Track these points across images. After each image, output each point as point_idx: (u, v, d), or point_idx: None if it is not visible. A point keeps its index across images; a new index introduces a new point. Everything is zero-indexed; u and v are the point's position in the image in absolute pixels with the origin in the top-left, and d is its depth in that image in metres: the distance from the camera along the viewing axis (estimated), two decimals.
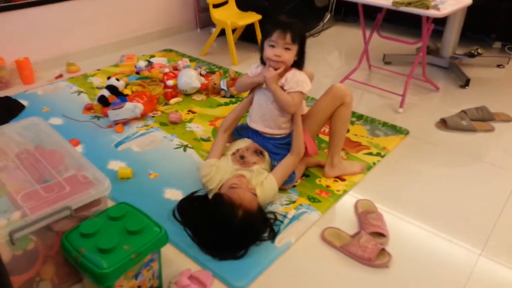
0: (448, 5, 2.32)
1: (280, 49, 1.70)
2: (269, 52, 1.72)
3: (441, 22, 2.57)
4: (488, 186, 1.94)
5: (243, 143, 1.86)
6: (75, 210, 1.29)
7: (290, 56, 1.72)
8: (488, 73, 3.13)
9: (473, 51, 3.18)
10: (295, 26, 1.71)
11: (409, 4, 2.30)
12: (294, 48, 1.72)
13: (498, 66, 3.22)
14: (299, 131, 1.78)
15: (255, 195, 1.63)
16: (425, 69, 2.81)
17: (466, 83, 2.88)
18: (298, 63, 1.78)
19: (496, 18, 3.45)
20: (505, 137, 2.32)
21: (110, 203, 1.64)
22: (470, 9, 2.56)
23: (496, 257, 1.56)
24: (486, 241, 1.63)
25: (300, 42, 1.73)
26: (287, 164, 1.78)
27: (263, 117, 1.83)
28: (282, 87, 1.76)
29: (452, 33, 3.06)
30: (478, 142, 2.28)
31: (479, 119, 2.42)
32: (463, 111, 2.46)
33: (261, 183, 1.70)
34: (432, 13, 2.22)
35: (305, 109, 1.88)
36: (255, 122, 1.87)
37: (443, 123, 2.40)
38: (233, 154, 1.81)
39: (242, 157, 1.79)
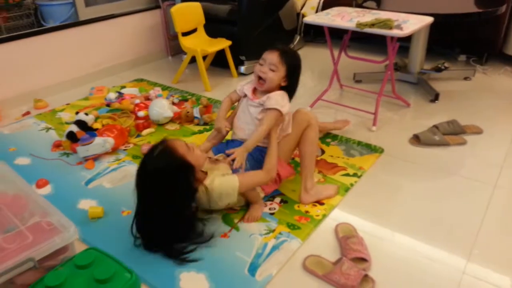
0: (410, 24, 2.38)
1: (266, 67, 1.83)
2: (257, 68, 1.86)
3: (406, 39, 2.63)
4: (465, 199, 1.94)
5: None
6: (40, 260, 1.22)
7: (273, 76, 1.83)
8: (456, 86, 3.21)
9: (440, 65, 3.26)
10: (287, 52, 1.86)
11: (372, 25, 2.34)
12: (281, 71, 1.83)
13: (465, 78, 3.31)
14: (272, 149, 1.83)
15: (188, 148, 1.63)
16: (394, 86, 2.86)
17: (435, 97, 2.94)
18: (287, 90, 1.89)
19: (459, 32, 3.57)
20: (477, 150, 2.36)
21: (81, 246, 1.57)
22: (433, 25, 2.64)
23: (481, 269, 1.55)
24: (470, 253, 1.62)
25: (289, 69, 1.85)
26: (256, 174, 1.79)
27: (247, 125, 1.91)
28: (262, 104, 1.86)
29: (418, 49, 3.14)
30: (451, 156, 2.30)
31: (451, 133, 2.46)
32: (435, 126, 2.49)
33: (223, 175, 1.70)
34: (396, 33, 2.27)
35: (290, 130, 1.94)
36: (240, 128, 1.95)
37: (416, 139, 2.42)
38: (209, 158, 1.84)
39: (216, 160, 1.86)
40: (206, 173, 1.72)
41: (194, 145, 1.69)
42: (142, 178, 1.57)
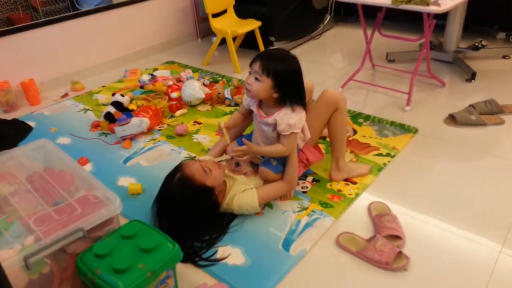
0: None
1: (251, 77, 1.63)
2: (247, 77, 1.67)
3: (442, 17, 2.55)
4: (502, 180, 1.90)
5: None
6: (88, 231, 1.29)
7: (258, 87, 1.60)
8: (494, 65, 3.10)
9: (477, 44, 3.15)
10: (272, 59, 1.60)
11: (409, 1, 2.28)
12: (266, 81, 1.59)
13: (504, 57, 3.18)
14: (292, 163, 1.73)
15: (208, 171, 1.62)
16: (429, 65, 2.79)
17: (472, 76, 2.85)
18: (283, 99, 1.65)
19: (498, 9, 3.42)
20: None
21: (122, 221, 1.64)
22: (470, 1, 2.54)
23: None
24: (506, 236, 1.60)
25: (276, 79, 1.59)
26: (276, 187, 1.77)
27: (265, 143, 1.82)
28: (271, 124, 1.70)
29: (454, 27, 3.03)
30: (488, 136, 2.24)
31: (488, 113, 2.39)
32: (471, 106, 2.43)
33: (243, 191, 1.70)
34: (433, 9, 2.20)
35: (308, 134, 1.83)
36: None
37: (452, 119, 2.37)
38: (231, 159, 1.84)
39: (237, 164, 1.83)
40: (225, 182, 1.74)
41: (210, 163, 1.67)
42: (163, 203, 1.63)
